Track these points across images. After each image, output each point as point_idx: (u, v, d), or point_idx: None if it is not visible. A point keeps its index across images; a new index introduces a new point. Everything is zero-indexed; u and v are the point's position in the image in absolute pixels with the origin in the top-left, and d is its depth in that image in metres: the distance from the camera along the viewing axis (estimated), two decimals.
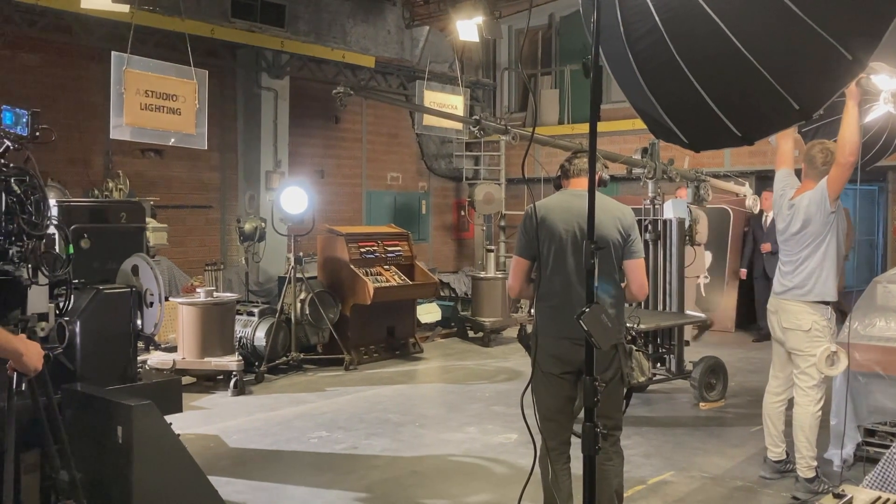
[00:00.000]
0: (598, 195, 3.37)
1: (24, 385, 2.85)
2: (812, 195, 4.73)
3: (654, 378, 6.90)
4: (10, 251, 2.92)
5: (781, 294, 4.89)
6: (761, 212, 10.00)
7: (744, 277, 10.84)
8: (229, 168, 11.26)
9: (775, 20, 2.91)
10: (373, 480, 5.18)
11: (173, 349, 8.02)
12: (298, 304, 8.54)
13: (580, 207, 2.80)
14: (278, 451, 5.77)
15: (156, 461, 3.53)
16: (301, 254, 8.73)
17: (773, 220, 9.90)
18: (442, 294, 11.57)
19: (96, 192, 9.09)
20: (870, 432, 5.11)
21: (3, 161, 2.85)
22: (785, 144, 5.10)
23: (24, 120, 3.05)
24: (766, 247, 10.09)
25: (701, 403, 7.00)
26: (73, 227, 5.20)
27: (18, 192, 2.84)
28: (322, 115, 12.36)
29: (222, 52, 10.64)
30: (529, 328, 4.05)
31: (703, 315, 7.90)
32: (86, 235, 5.14)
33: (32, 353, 2.76)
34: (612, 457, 3.77)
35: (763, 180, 12.20)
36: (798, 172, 5.06)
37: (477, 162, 14.56)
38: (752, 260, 10.64)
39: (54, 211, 5.27)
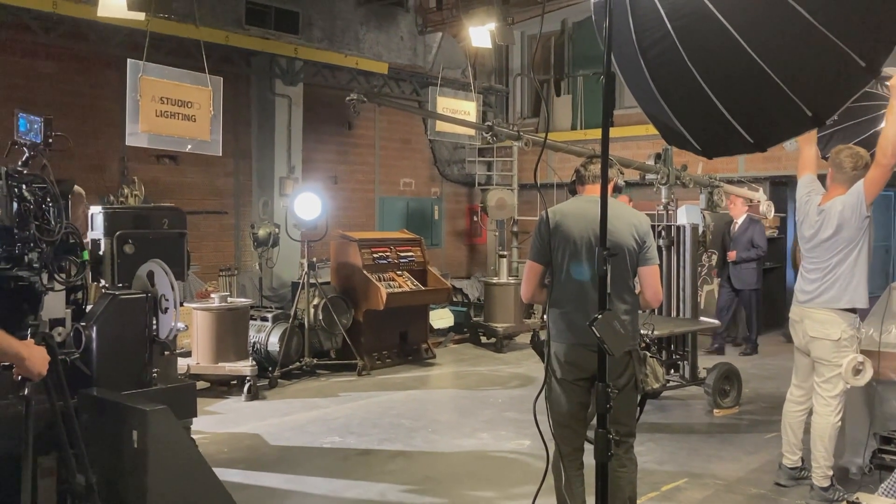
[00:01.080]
0: (614, 202, 3.38)
1: (27, 390, 2.82)
2: (846, 199, 4.62)
3: (668, 385, 6.88)
4: (26, 257, 2.94)
5: (807, 302, 4.79)
6: (730, 220, 9.98)
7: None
8: (243, 174, 11.31)
9: (787, 27, 2.91)
10: (386, 486, 5.19)
11: (188, 354, 8.07)
12: (312, 310, 8.57)
13: (595, 213, 2.80)
14: (291, 457, 5.79)
15: (171, 466, 3.55)
16: (314, 259, 8.76)
17: (740, 228, 9.81)
18: (454, 300, 11.57)
19: (112, 198, 9.16)
20: (886, 440, 5.06)
21: (16, 168, 2.87)
22: (808, 150, 5.00)
23: (37, 126, 3.07)
24: (731, 255, 9.90)
25: (715, 410, 6.97)
26: (117, 234, 5.34)
27: (30, 198, 2.85)
28: (335, 121, 12.41)
29: (237, 59, 10.71)
30: (542, 334, 4.06)
31: (716, 322, 7.88)
32: (130, 241, 5.27)
33: (36, 358, 2.72)
34: (626, 463, 3.77)
35: (777, 186, 12.14)
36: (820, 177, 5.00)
37: (489, 168, 14.57)
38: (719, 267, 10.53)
39: (99, 218, 5.43)
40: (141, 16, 7.62)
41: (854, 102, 3.24)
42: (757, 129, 3.26)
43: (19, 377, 2.77)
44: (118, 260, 5.24)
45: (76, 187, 5.66)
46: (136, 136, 7.17)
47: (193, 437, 5.84)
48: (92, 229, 5.46)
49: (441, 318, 10.79)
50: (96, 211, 5.44)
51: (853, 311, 4.68)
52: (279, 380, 8.09)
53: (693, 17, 3.01)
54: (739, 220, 9.90)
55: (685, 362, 7.10)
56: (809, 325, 4.76)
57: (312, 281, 8.57)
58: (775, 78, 2.93)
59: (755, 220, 9.83)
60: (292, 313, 8.44)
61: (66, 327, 3.71)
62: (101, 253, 5.29)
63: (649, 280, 3.82)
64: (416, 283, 9.45)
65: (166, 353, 4.43)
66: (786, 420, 5.10)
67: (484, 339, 10.67)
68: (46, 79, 9.26)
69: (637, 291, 3.87)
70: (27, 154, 3.06)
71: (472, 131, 10.56)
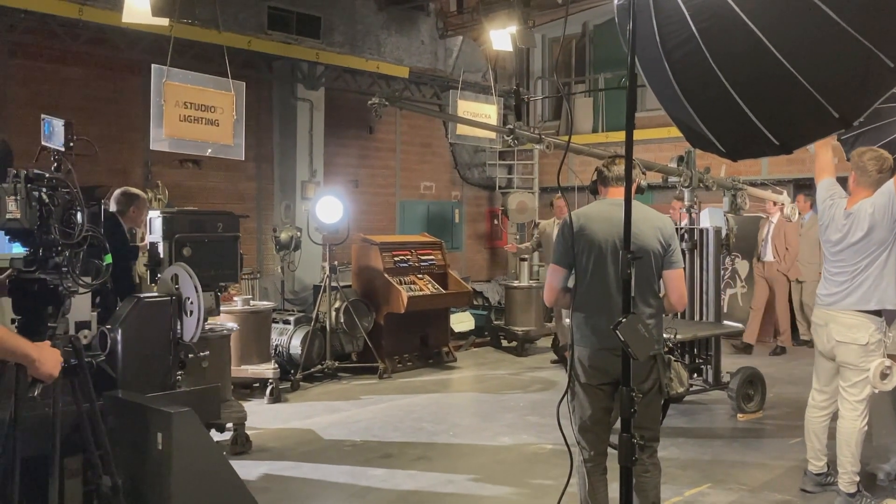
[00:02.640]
0: (638, 205, 3.36)
1: (38, 391, 2.80)
2: (876, 200, 4.55)
3: (691, 389, 6.83)
4: (50, 260, 2.97)
5: (833, 305, 4.71)
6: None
7: None
8: (265, 178, 11.38)
9: (814, 28, 2.88)
10: (408, 489, 5.19)
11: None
12: (333, 313, 8.60)
13: (620, 216, 2.79)
14: (313, 459, 5.81)
15: (194, 468, 3.56)
16: (336, 263, 8.79)
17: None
18: (475, 303, 11.56)
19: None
20: None
21: (37, 171, 2.90)
22: (825, 154, 4.95)
23: (58, 130, 3.09)
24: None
25: (739, 414, 6.91)
26: (176, 237, 5.51)
27: (47, 201, 2.87)
28: (356, 125, 12.45)
29: (259, 64, 10.78)
30: (561, 339, 4.04)
31: (740, 325, 7.80)
32: (187, 244, 5.42)
33: (47, 360, 2.71)
34: (650, 468, 3.74)
35: (801, 188, 12.00)
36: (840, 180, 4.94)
37: (510, 171, 14.55)
38: None
39: (158, 222, 5.58)
40: (165, 21, 7.69)
41: (882, 104, 3.20)
42: (783, 131, 3.23)
43: (31, 378, 2.76)
44: (176, 262, 5.44)
45: (141, 193, 5.82)
46: (160, 140, 7.22)
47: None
48: (151, 233, 5.63)
49: (462, 321, 10.78)
50: (155, 215, 5.66)
51: (879, 314, 4.61)
52: (301, 382, 8.13)
53: (718, 19, 2.99)
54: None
55: (708, 366, 7.04)
56: (836, 329, 4.69)
57: (334, 284, 8.60)
58: (801, 80, 2.91)
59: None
60: (314, 316, 8.48)
61: (91, 330, 3.74)
62: (159, 256, 5.51)
63: (674, 283, 3.79)
64: (436, 286, 9.46)
65: (201, 355, 4.48)
66: (809, 426, 5.03)
67: (505, 343, 10.65)
68: (72, 84, 9.38)
69: (661, 295, 3.84)
70: (53, 158, 3.08)
71: (492, 134, 10.53)
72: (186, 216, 5.78)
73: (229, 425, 5.89)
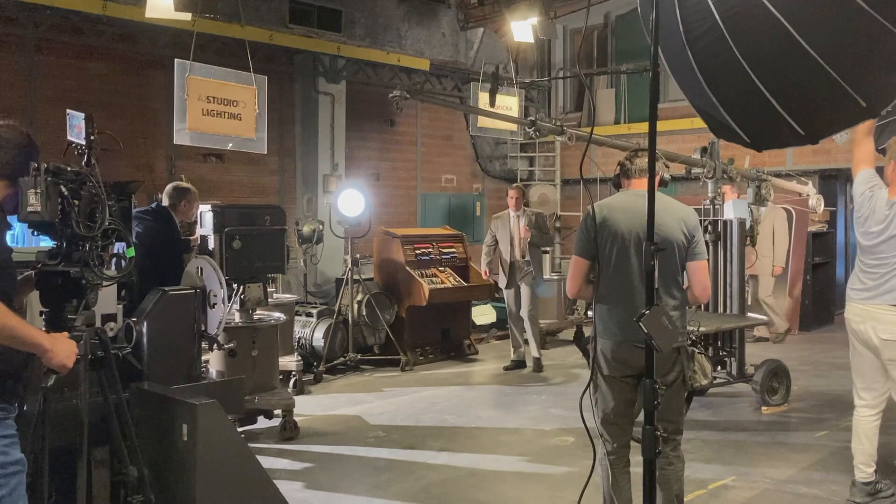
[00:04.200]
0: (662, 196, 3.34)
1: (51, 381, 2.80)
2: None
3: (715, 381, 6.78)
4: (74, 253, 3.00)
5: (871, 299, 4.51)
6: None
7: None
8: (288, 172, 11.44)
9: (840, 15, 2.84)
10: (430, 481, 5.21)
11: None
12: (355, 306, 8.64)
13: (644, 208, 2.77)
14: (336, 451, 5.84)
15: (219, 459, 3.60)
16: (358, 256, 8.82)
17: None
18: (497, 295, 11.53)
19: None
20: None
21: (58, 165, 2.92)
22: (865, 144, 4.65)
23: (78, 123, 3.10)
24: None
25: (763, 407, 6.85)
26: (226, 230, 5.72)
27: (67, 193, 2.90)
28: (377, 118, 12.47)
29: (281, 58, 10.83)
30: (586, 330, 4.03)
31: (764, 318, 7.73)
32: (237, 237, 5.57)
33: (59, 350, 2.70)
34: (673, 461, 3.72)
35: (827, 179, 11.88)
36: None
37: (532, 163, 14.50)
38: None
39: (208, 216, 5.78)
40: (187, 16, 7.74)
41: None
42: (808, 121, 3.19)
43: (45, 369, 2.77)
44: (227, 255, 5.64)
45: (191, 187, 5.97)
46: (184, 134, 7.27)
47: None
48: (201, 226, 5.80)
49: (483, 314, 10.78)
50: (205, 209, 5.90)
51: None
52: (324, 375, 8.17)
53: (742, 8, 2.96)
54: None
55: (732, 359, 6.99)
56: (879, 328, 4.46)
57: (356, 277, 8.63)
58: (828, 68, 2.87)
59: None
60: (336, 309, 8.51)
61: (117, 322, 3.78)
62: (210, 248, 5.74)
63: (698, 275, 3.76)
64: (458, 279, 9.46)
65: (226, 347, 4.53)
66: (858, 427, 4.71)
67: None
68: (97, 80, 9.47)
69: (685, 287, 3.82)
70: (77, 152, 3.11)
71: (514, 127, 10.51)
72: (236, 210, 6.02)
73: (278, 412, 6.10)
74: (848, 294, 4.71)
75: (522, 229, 8.49)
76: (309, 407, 7.10)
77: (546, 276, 10.52)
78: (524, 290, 8.57)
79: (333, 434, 6.29)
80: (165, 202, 5.80)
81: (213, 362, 5.88)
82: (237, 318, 6.04)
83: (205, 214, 5.89)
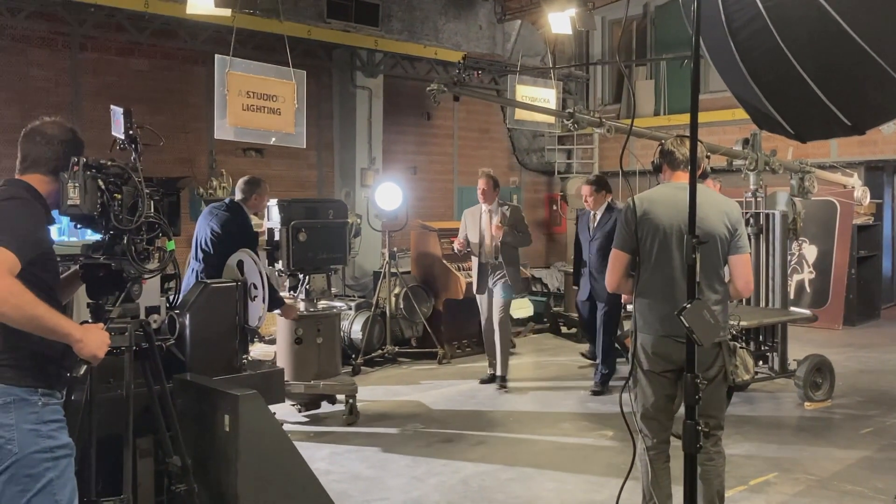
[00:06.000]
0: (704, 188, 3.30)
1: (82, 371, 2.81)
2: None
3: (756, 377, 6.68)
4: (116, 247, 3.05)
5: None
6: (584, 211, 7.73)
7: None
8: (326, 166, 11.51)
9: (888, 2, 2.77)
10: (468, 474, 5.22)
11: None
12: (393, 299, 8.68)
13: (685, 201, 2.74)
14: (375, 443, 5.88)
15: (260, 449, 3.65)
16: (395, 249, 8.86)
17: (600, 222, 7.28)
18: (534, 289, 11.51)
19: (201, 190, 9.47)
20: None
21: (98, 160, 2.97)
22: None
23: (118, 118, 3.15)
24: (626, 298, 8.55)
25: (806, 403, 6.74)
26: (292, 223, 5.99)
27: (104, 187, 2.95)
28: (414, 112, 12.49)
29: (319, 53, 10.89)
30: (625, 325, 4.00)
31: (807, 312, 7.60)
32: (303, 229, 5.94)
33: (90, 340, 2.71)
34: (714, 456, 3.69)
35: (873, 171, 11.62)
36: None
37: (569, 155, 14.41)
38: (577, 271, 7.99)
39: (275, 210, 6.08)
40: (227, 12, 7.82)
41: None
42: (855, 112, 3.12)
43: (77, 358, 2.78)
44: (293, 246, 5.94)
45: (262, 181, 6.19)
46: (224, 129, 7.35)
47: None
48: (269, 220, 6.05)
49: (520, 307, 10.73)
50: (272, 203, 6.17)
51: None
52: (362, 367, 8.23)
53: None
54: (599, 212, 7.43)
55: (774, 354, 6.88)
56: None
57: (393, 270, 8.68)
58: (876, 56, 2.80)
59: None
60: (374, 302, 8.57)
61: (161, 314, 3.84)
62: (276, 240, 6.05)
63: (740, 269, 3.71)
64: None
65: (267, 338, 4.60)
66: None
67: (564, 329, 10.59)
68: (139, 76, 9.62)
69: (727, 281, 3.77)
70: (119, 147, 3.15)
71: (551, 119, 10.45)
72: (301, 204, 6.30)
73: (341, 397, 6.43)
74: None
75: (494, 227, 7.30)
76: None
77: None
78: (497, 295, 7.42)
79: (371, 426, 6.33)
80: (238, 196, 6.02)
81: (280, 350, 6.27)
82: (302, 307, 6.32)
83: (272, 208, 6.18)
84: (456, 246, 7.66)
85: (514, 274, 7.40)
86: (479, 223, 7.48)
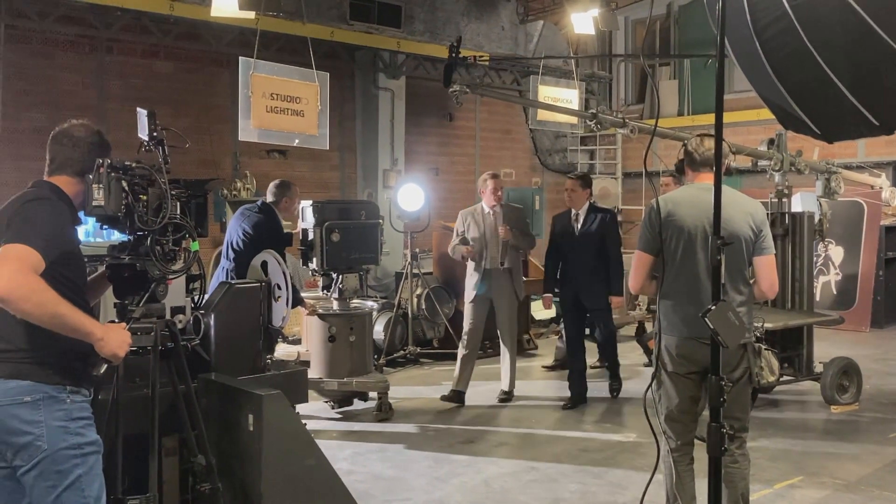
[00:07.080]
0: (728, 189, 3.27)
1: (102, 369, 2.79)
2: None
3: (782, 379, 6.62)
4: (141, 247, 3.08)
5: None
6: (568, 211, 7.07)
7: (548, 307, 7.82)
8: (349, 167, 11.57)
9: None
10: (490, 475, 5.22)
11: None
12: (415, 300, 8.69)
13: (710, 202, 2.72)
14: (398, 443, 5.90)
15: (284, 449, 3.67)
16: (417, 250, 8.87)
17: (585, 222, 6.89)
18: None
19: (225, 191, 9.54)
20: None
21: (122, 161, 3.00)
22: None
23: (143, 120, 3.18)
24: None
25: (832, 406, 6.66)
26: (326, 224, 6.10)
27: (127, 189, 2.98)
28: (436, 113, 12.51)
29: (341, 54, 10.94)
30: (647, 326, 3.97)
31: (833, 314, 7.51)
32: (336, 230, 6.06)
33: (111, 339, 2.71)
34: (738, 459, 3.66)
35: None
36: None
37: (592, 156, 14.36)
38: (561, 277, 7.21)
39: (308, 210, 6.22)
40: (251, 15, 7.88)
41: None
42: (883, 111, 3.08)
43: (98, 357, 2.77)
44: (326, 247, 6.06)
45: (293, 184, 6.31)
46: (248, 131, 7.41)
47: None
48: (303, 220, 6.14)
49: (542, 308, 10.70)
50: (306, 204, 6.29)
51: None
52: (384, 367, 8.24)
53: None
54: (582, 212, 6.97)
55: (800, 356, 6.81)
56: None
57: (415, 271, 8.69)
58: None
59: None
60: (396, 303, 8.58)
61: (186, 315, 3.88)
62: (310, 240, 6.18)
63: (765, 270, 3.68)
64: None
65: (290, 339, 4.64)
66: None
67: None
68: (164, 78, 9.73)
69: (752, 282, 3.74)
70: (144, 149, 3.19)
71: (574, 120, 10.42)
72: (335, 205, 6.42)
73: (373, 394, 6.55)
74: None
75: (501, 229, 6.75)
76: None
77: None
78: (503, 305, 6.99)
79: (394, 426, 6.35)
80: (269, 199, 6.14)
81: (313, 348, 6.44)
82: (335, 305, 6.43)
83: (306, 209, 6.29)
84: (463, 252, 6.92)
85: (520, 280, 7.15)
86: (483, 225, 6.92)
